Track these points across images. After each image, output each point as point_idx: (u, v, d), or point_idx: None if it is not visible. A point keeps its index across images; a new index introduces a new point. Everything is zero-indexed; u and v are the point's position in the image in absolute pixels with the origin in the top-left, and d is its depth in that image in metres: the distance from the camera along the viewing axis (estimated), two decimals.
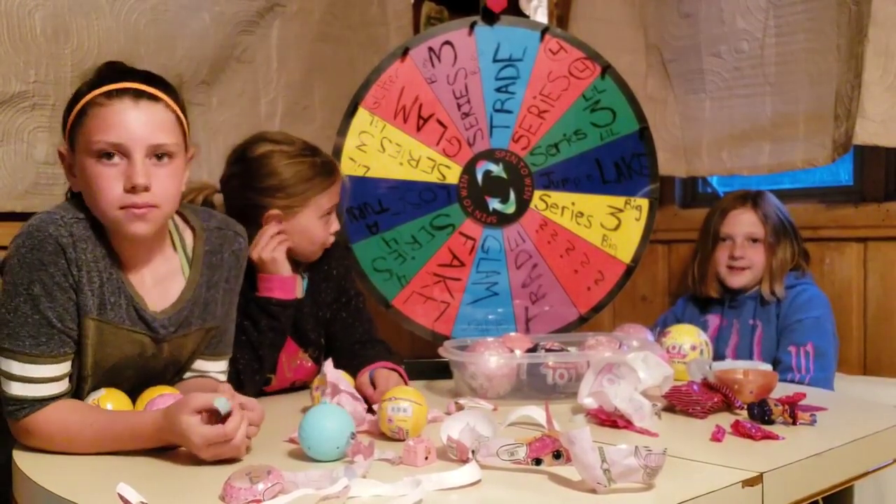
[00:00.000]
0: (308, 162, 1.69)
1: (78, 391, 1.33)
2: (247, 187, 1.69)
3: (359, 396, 1.45)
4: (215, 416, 1.16)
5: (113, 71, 1.30)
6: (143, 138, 1.25)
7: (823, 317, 2.10)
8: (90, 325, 1.28)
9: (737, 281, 2.17)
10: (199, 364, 1.46)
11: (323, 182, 1.70)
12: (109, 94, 1.25)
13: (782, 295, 2.13)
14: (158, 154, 1.27)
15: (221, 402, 1.14)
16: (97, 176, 1.24)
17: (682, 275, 2.48)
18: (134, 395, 1.37)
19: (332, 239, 1.76)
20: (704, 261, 2.25)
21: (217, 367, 1.48)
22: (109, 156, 1.24)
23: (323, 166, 1.71)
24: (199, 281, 1.39)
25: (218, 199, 1.74)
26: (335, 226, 1.76)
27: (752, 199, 2.20)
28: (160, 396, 1.32)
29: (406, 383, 1.63)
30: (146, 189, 1.25)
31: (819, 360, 2.01)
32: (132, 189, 1.24)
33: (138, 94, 1.26)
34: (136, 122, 1.25)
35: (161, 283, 1.36)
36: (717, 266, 2.21)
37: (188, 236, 1.41)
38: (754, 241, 2.16)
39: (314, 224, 1.71)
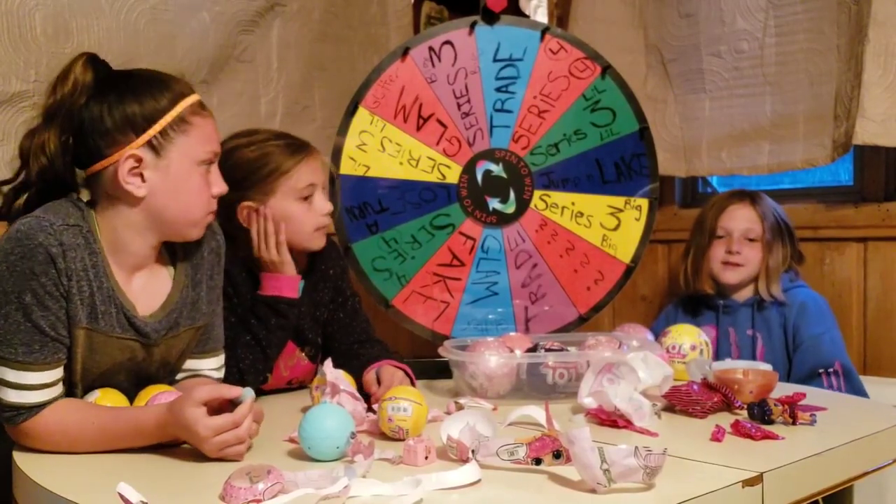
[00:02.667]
0: (271, 145, 1.65)
1: (70, 396, 1.31)
2: None
3: (359, 396, 1.45)
4: (227, 407, 1.18)
5: (184, 80, 1.37)
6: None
7: (833, 325, 2.08)
8: (80, 335, 1.27)
9: (731, 277, 2.14)
10: (190, 363, 1.46)
11: (288, 161, 1.64)
12: (201, 104, 1.33)
13: (780, 297, 2.11)
14: None
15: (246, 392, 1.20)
16: (202, 184, 1.33)
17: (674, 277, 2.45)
18: (129, 395, 1.36)
19: (325, 221, 1.69)
20: (698, 257, 2.21)
21: (209, 365, 1.48)
22: (209, 165, 1.33)
23: (287, 147, 1.65)
24: (185, 282, 1.40)
25: None
26: (325, 206, 1.69)
27: (749, 196, 2.19)
28: (159, 394, 1.32)
29: (413, 381, 1.63)
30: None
31: (849, 380, 1.99)
32: (217, 195, 1.35)
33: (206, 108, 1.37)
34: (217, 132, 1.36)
35: (148, 286, 1.36)
36: (710, 262, 2.18)
37: None
38: (751, 240, 2.14)
39: (292, 207, 1.65)
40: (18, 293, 1.21)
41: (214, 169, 1.35)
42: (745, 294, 2.18)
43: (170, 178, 1.28)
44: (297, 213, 1.65)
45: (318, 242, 1.71)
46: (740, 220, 2.16)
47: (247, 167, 1.63)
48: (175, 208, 1.30)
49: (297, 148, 1.67)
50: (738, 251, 2.13)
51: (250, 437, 1.20)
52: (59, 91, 1.29)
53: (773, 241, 2.13)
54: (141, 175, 1.28)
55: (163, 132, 1.27)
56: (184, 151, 1.29)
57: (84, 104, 1.28)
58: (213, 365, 1.49)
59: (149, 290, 1.36)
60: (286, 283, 1.65)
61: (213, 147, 1.33)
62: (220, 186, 1.36)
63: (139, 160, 1.27)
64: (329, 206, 1.70)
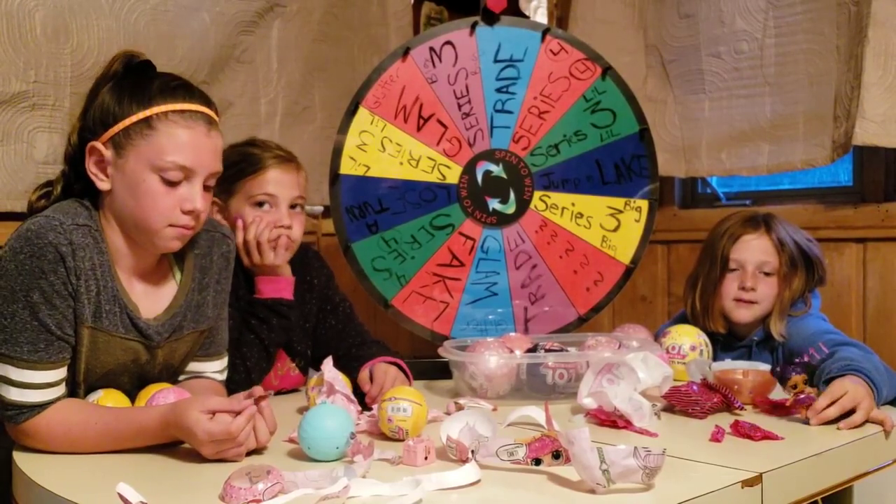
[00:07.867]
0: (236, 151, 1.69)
1: (72, 396, 1.32)
2: None
3: (353, 399, 1.44)
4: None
5: (184, 87, 1.30)
6: (209, 166, 1.29)
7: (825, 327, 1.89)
8: (84, 334, 1.27)
9: (744, 315, 1.89)
10: (194, 366, 1.46)
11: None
12: (184, 114, 1.27)
13: (782, 334, 1.87)
14: (210, 181, 1.31)
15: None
16: (157, 192, 1.26)
17: (681, 275, 2.44)
18: (131, 397, 1.37)
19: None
20: (708, 291, 1.95)
21: (212, 368, 1.48)
22: (174, 176, 1.26)
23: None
24: (191, 285, 1.40)
25: None
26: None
27: (764, 223, 1.94)
28: (161, 391, 1.32)
29: (408, 376, 1.63)
30: (199, 214, 1.29)
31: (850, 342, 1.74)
32: (190, 212, 1.28)
33: (210, 122, 1.29)
34: (207, 150, 1.29)
35: (153, 289, 1.37)
36: (722, 299, 1.92)
37: None
38: (767, 273, 1.89)
39: (246, 211, 1.67)
40: (26, 291, 1.21)
41: (193, 185, 1.28)
42: (753, 332, 1.93)
43: (126, 178, 1.27)
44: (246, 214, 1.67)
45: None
46: (755, 251, 1.90)
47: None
48: (132, 211, 1.28)
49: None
50: (753, 287, 1.88)
51: (261, 444, 1.21)
52: (96, 80, 1.33)
53: (791, 272, 1.89)
54: (105, 170, 1.29)
55: (125, 132, 1.27)
56: (140, 155, 1.26)
57: (98, 92, 1.31)
58: (216, 367, 1.49)
59: (153, 294, 1.36)
60: (285, 285, 1.66)
61: (176, 158, 1.25)
62: (193, 203, 1.28)
63: (100, 154, 1.28)
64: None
